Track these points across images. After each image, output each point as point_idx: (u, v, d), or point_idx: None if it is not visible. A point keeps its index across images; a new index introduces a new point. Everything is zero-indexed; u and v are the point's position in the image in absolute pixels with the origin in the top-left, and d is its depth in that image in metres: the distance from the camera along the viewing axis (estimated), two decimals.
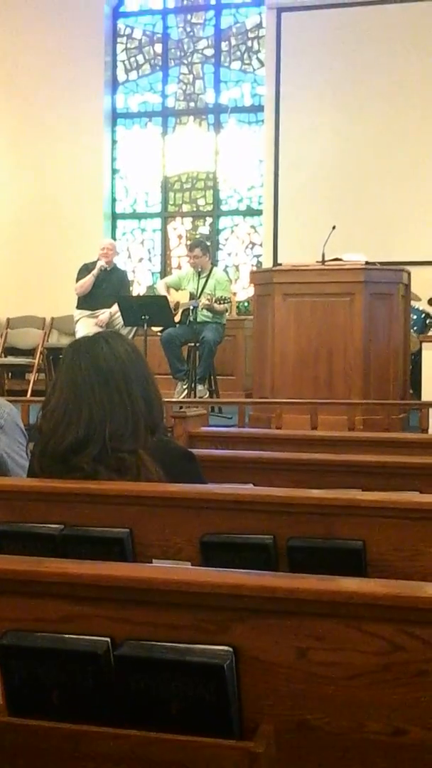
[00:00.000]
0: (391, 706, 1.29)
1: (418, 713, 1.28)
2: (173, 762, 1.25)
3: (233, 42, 9.81)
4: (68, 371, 2.17)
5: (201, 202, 9.99)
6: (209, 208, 9.94)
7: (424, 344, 6.95)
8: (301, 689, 1.32)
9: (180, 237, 10.03)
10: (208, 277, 7.56)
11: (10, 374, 9.52)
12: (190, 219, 10.04)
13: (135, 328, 7.29)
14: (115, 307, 7.46)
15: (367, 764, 1.31)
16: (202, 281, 7.51)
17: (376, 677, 1.29)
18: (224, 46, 9.83)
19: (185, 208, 10.04)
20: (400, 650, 1.28)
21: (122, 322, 7.33)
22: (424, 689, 1.28)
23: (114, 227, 10.11)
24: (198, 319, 7.30)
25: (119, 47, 10.10)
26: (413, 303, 7.25)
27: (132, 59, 10.12)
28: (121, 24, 10.12)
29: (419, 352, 7.01)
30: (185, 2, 10.02)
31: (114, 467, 2.10)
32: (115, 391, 2.12)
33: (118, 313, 7.39)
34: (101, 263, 7.71)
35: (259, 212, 9.64)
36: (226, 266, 9.66)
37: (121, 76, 10.12)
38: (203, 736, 1.26)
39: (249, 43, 9.76)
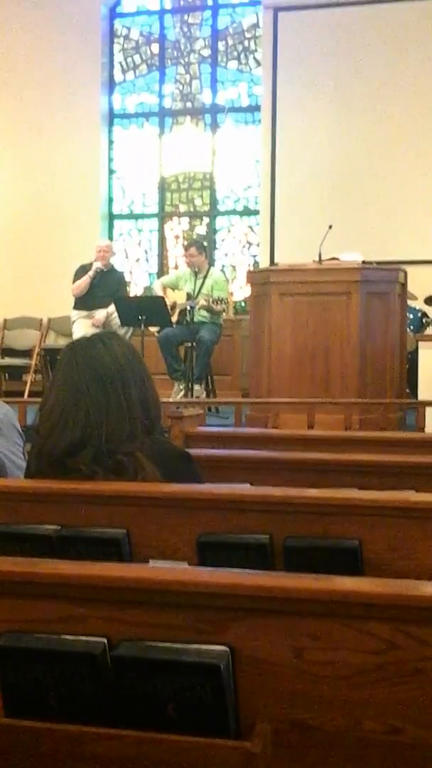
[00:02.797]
0: (386, 705, 1.29)
1: (413, 712, 1.28)
2: (170, 762, 1.25)
3: (230, 42, 9.82)
4: (65, 372, 2.17)
5: (198, 202, 9.99)
6: (206, 208, 9.94)
7: (420, 343, 6.94)
8: (297, 688, 1.32)
9: (177, 237, 10.03)
10: (205, 277, 7.56)
11: (7, 375, 9.51)
12: (187, 219, 10.04)
13: (132, 329, 7.29)
14: (112, 308, 7.46)
15: (363, 763, 1.31)
16: (199, 281, 7.51)
17: (371, 676, 1.30)
18: (221, 46, 9.83)
19: (182, 208, 10.04)
20: (395, 649, 1.29)
21: (119, 323, 7.33)
22: (419, 688, 1.28)
23: (111, 227, 10.11)
24: (195, 319, 7.30)
25: (116, 47, 10.10)
26: (410, 302, 7.25)
27: (129, 59, 10.11)
28: (117, 24, 10.12)
29: (416, 351, 7.00)
30: (182, 2, 10.02)
31: (111, 468, 2.10)
32: (112, 393, 2.12)
33: (115, 314, 7.39)
34: (98, 265, 7.70)
35: (255, 212, 9.64)
36: (223, 266, 9.66)
37: (118, 76, 10.12)
38: (200, 736, 1.26)
39: (246, 43, 9.77)
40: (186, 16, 9.97)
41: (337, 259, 6.33)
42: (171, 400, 6.26)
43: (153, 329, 7.44)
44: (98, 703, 1.33)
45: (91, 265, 7.75)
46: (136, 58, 10.10)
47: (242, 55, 9.79)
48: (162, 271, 9.87)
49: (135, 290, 9.83)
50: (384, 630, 1.29)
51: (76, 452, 2.10)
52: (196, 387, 7.20)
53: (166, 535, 2.02)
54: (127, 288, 8.58)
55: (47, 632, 1.38)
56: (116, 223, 10.16)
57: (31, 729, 1.31)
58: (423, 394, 6.44)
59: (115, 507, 2.05)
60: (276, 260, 8.68)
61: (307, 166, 8.98)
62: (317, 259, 6.29)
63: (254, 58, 9.70)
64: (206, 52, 9.89)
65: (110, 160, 10.08)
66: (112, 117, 10.10)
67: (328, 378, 6.01)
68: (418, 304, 8.13)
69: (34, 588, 1.43)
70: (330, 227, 6.37)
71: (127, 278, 9.03)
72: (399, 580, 1.49)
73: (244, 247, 9.80)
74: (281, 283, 6.21)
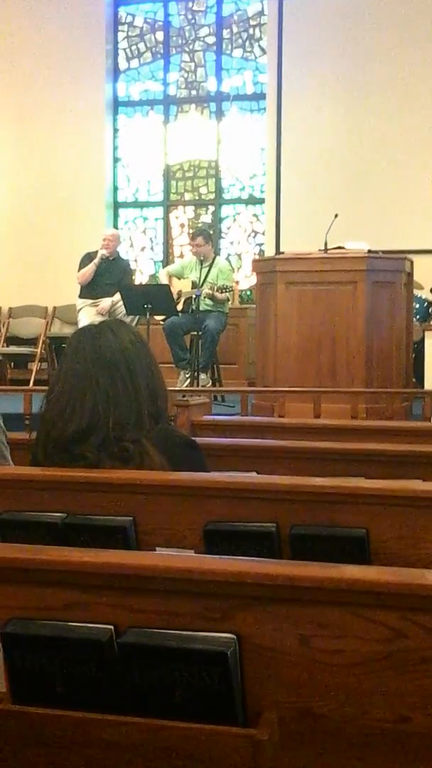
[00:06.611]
0: (394, 694, 1.29)
1: (421, 700, 1.28)
2: (177, 749, 1.25)
3: (235, 29, 9.77)
4: (73, 359, 2.16)
5: (203, 190, 9.96)
6: (211, 196, 9.92)
7: (426, 333, 6.94)
8: (304, 677, 1.32)
9: (182, 226, 10.02)
10: (210, 265, 7.54)
11: (12, 364, 9.52)
12: (192, 207, 10.02)
13: (137, 317, 7.29)
14: (117, 296, 7.45)
15: (371, 751, 1.31)
16: (205, 270, 7.50)
17: (379, 665, 1.29)
18: (226, 33, 9.79)
19: (187, 196, 10.02)
20: (403, 638, 1.28)
21: (124, 311, 7.32)
22: (427, 676, 1.28)
23: (116, 216, 10.09)
24: (200, 308, 7.29)
25: (120, 35, 10.06)
26: (416, 292, 7.23)
27: (133, 47, 10.08)
28: (122, 12, 10.07)
29: (422, 341, 7.00)
30: None
31: (117, 456, 2.10)
32: (119, 380, 2.12)
33: (121, 302, 7.39)
34: (103, 252, 7.69)
35: (261, 200, 9.61)
36: (229, 255, 9.64)
37: (122, 64, 10.09)
38: (207, 723, 1.26)
39: (251, 31, 9.72)
40: (190, 4, 9.92)
41: (343, 248, 6.31)
42: (177, 388, 6.25)
43: (158, 318, 7.43)
44: (105, 690, 1.33)
45: (96, 253, 7.74)
46: (141, 45, 10.06)
47: (247, 43, 9.74)
48: (167, 259, 9.85)
49: (140, 279, 9.82)
50: (391, 619, 1.29)
51: (83, 439, 2.10)
52: (202, 376, 7.20)
53: (172, 523, 2.02)
54: (133, 277, 8.57)
55: (54, 619, 1.38)
56: (121, 211, 10.14)
57: (38, 715, 1.31)
58: (429, 384, 6.44)
59: (122, 495, 2.05)
60: (282, 249, 8.64)
61: (313, 154, 8.95)
62: (323, 247, 6.27)
63: (259, 46, 9.65)
64: (211, 40, 9.85)
65: (115, 148, 10.06)
66: (116, 105, 10.07)
67: (334, 367, 6.00)
68: (425, 294, 8.11)
69: (41, 575, 1.43)
70: (336, 216, 6.35)
71: (132, 267, 9.01)
72: (406, 568, 1.49)
73: (249, 235, 9.78)
74: (287, 272, 6.20)
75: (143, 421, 2.12)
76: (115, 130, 10.06)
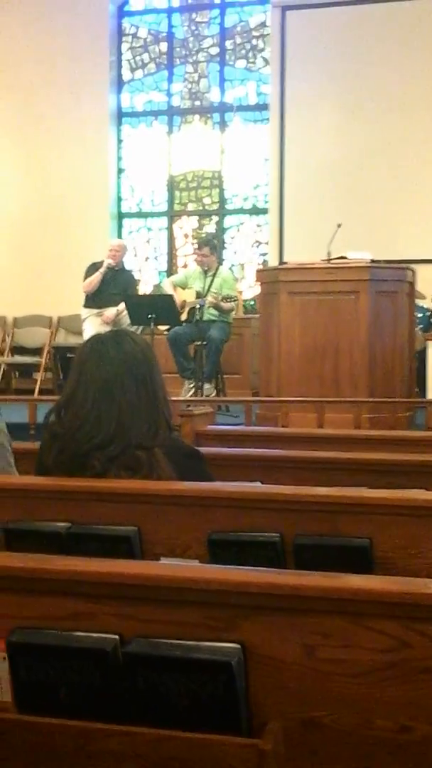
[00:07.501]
0: (397, 703, 1.29)
1: (424, 710, 1.28)
2: (181, 759, 1.25)
3: (238, 40, 9.81)
4: (97, 367, 2.12)
5: (207, 200, 9.99)
6: (215, 206, 9.94)
7: (429, 342, 6.94)
8: (308, 686, 1.32)
9: (186, 236, 10.04)
10: (214, 275, 7.55)
11: (17, 373, 9.53)
12: (196, 218, 10.04)
13: (141, 327, 7.30)
14: (122, 306, 7.47)
15: (374, 761, 1.31)
16: (209, 280, 7.51)
17: (382, 674, 1.30)
18: (229, 44, 9.82)
19: (191, 206, 10.04)
20: (406, 647, 1.29)
21: (129, 321, 7.34)
22: (430, 686, 1.28)
23: (120, 226, 10.11)
24: (204, 318, 7.30)
25: (124, 46, 10.10)
26: (418, 301, 7.24)
27: (137, 58, 10.12)
28: (126, 23, 10.12)
29: (424, 351, 7.00)
30: (190, 1, 10.01)
31: (127, 465, 2.09)
32: (143, 389, 2.11)
33: (125, 312, 7.41)
34: (108, 262, 7.72)
35: (264, 211, 9.63)
36: (232, 265, 9.66)
37: (126, 75, 10.12)
38: (211, 733, 1.26)
39: (254, 42, 9.76)
40: (194, 15, 9.96)
41: (345, 257, 6.32)
42: (181, 398, 6.26)
43: (162, 328, 7.44)
44: (110, 700, 1.34)
45: (102, 263, 7.77)
46: (145, 56, 10.10)
47: (250, 54, 9.78)
48: (171, 269, 9.87)
49: (144, 289, 9.84)
50: (395, 628, 1.29)
51: (105, 447, 2.09)
52: (206, 385, 7.20)
53: (177, 533, 2.03)
54: (138, 287, 8.59)
55: (59, 629, 1.38)
56: (125, 221, 10.17)
57: (42, 725, 1.31)
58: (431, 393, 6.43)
59: (127, 504, 2.05)
60: (285, 259, 8.67)
61: (316, 164, 8.97)
62: (326, 257, 6.29)
63: (262, 57, 9.68)
64: (214, 51, 9.88)
65: (119, 158, 10.09)
66: (120, 116, 10.10)
67: (338, 377, 6.01)
68: (427, 303, 8.12)
69: (46, 585, 1.43)
70: (339, 226, 6.37)
71: (137, 277, 9.03)
72: (410, 578, 1.49)
73: (253, 245, 9.80)
74: (290, 281, 6.21)
75: (161, 430, 2.12)
76: (119, 141, 10.10)
